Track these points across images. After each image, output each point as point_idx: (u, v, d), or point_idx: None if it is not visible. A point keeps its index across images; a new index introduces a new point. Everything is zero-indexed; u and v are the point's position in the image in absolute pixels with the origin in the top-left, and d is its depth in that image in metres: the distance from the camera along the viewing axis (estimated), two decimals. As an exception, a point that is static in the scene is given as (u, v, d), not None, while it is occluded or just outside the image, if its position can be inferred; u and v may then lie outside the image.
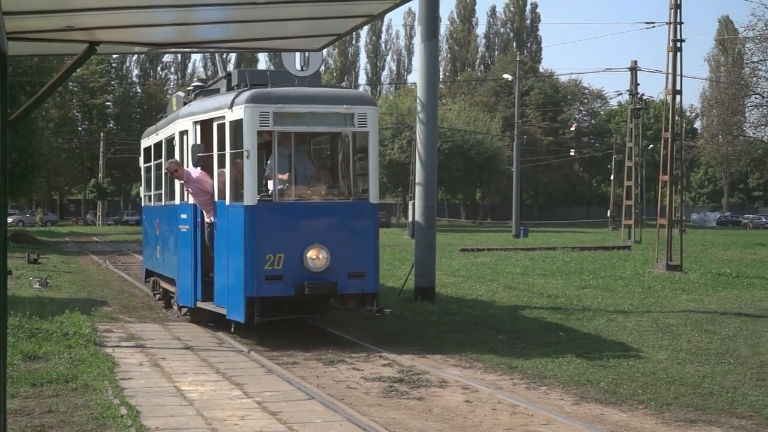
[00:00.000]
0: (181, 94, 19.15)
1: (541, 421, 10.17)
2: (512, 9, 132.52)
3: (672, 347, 15.16)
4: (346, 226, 15.28)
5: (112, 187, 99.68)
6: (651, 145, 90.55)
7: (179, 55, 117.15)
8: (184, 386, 11.35)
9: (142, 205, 23.03)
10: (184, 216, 17.12)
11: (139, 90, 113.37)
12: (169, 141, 18.38)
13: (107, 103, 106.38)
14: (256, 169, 15.03)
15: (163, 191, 19.34)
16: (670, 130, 31.61)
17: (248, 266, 14.74)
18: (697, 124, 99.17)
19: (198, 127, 16.64)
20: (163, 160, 19.01)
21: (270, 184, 15.46)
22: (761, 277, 29.50)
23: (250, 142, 14.82)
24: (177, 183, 17.58)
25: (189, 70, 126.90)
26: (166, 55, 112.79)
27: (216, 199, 15.99)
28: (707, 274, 29.74)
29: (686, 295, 23.73)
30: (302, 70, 16.20)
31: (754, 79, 59.01)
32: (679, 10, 32.38)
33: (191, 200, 16.77)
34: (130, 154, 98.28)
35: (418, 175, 21.23)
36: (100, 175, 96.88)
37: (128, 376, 11.88)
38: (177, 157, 17.49)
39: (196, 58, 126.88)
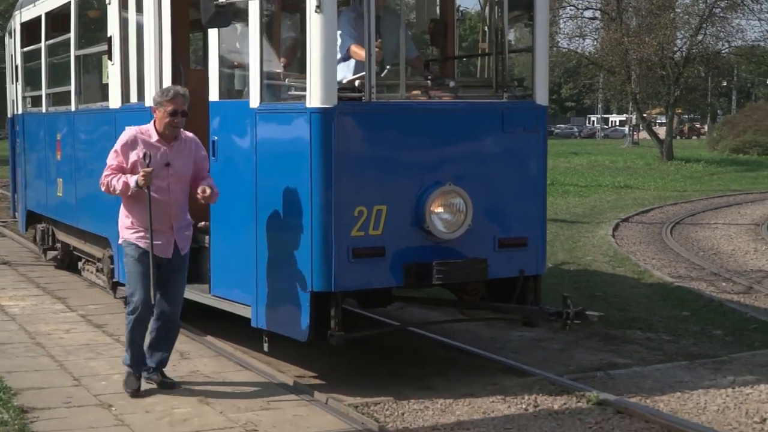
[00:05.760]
0: None
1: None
2: None
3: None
4: (492, 150, 8.03)
5: None
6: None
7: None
8: (4, 301, 11.05)
9: (16, 111, 14.70)
10: (132, 130, 9.34)
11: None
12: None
13: None
14: (335, 35, 7.49)
15: (73, 87, 11.33)
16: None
17: (318, 229, 7.34)
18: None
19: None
20: (73, 34, 11.05)
21: (343, 68, 8.01)
22: (575, 185, 31.54)
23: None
24: (112, 68, 9.83)
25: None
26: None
27: (214, 97, 8.40)
28: (522, 182, 31.90)
29: (502, 201, 24.92)
30: None
31: (570, -10, 56.87)
32: None
33: (150, 101, 9.04)
34: None
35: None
36: None
37: (-55, 294, 11.53)
38: (114, 28, 9.70)
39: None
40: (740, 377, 8.29)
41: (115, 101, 9.97)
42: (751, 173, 39.20)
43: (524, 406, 7.44)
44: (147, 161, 7.11)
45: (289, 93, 7.71)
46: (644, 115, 55.70)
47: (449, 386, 7.95)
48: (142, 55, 9.32)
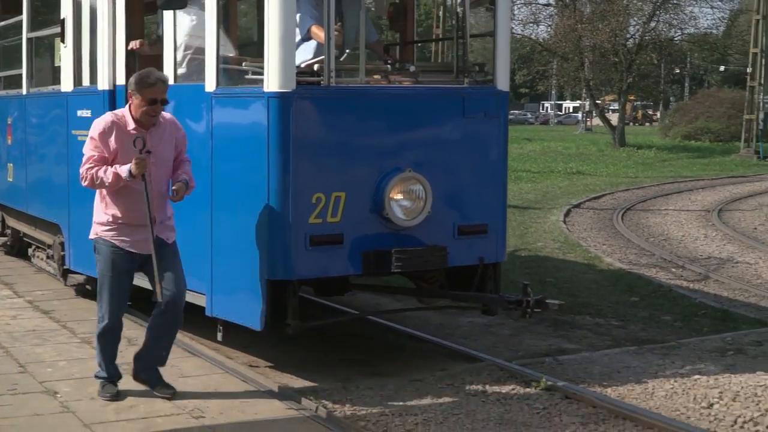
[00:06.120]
0: None
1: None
2: None
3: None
4: (453, 136, 7.93)
5: None
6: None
7: None
8: (-49, 289, 10.83)
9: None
10: (84, 113, 9.19)
11: None
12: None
13: None
14: (294, 19, 7.37)
15: (25, 70, 11.09)
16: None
17: (275, 216, 7.21)
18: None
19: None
20: (25, 16, 10.86)
21: (304, 49, 7.86)
22: (527, 171, 31.51)
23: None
24: (65, 51, 9.62)
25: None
26: None
27: (169, 81, 8.20)
28: (474, 168, 32.29)
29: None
30: None
31: (525, -23, 56.29)
32: None
33: (103, 84, 8.90)
34: None
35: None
36: None
37: None
38: (68, 10, 9.48)
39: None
40: (688, 363, 8.32)
41: (67, 84, 9.75)
42: (702, 160, 39.55)
43: (472, 392, 7.41)
44: (140, 147, 6.45)
45: (246, 77, 7.55)
46: (597, 101, 55.92)
47: (398, 372, 7.91)
48: (95, 37, 9.13)
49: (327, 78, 7.28)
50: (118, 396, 6.85)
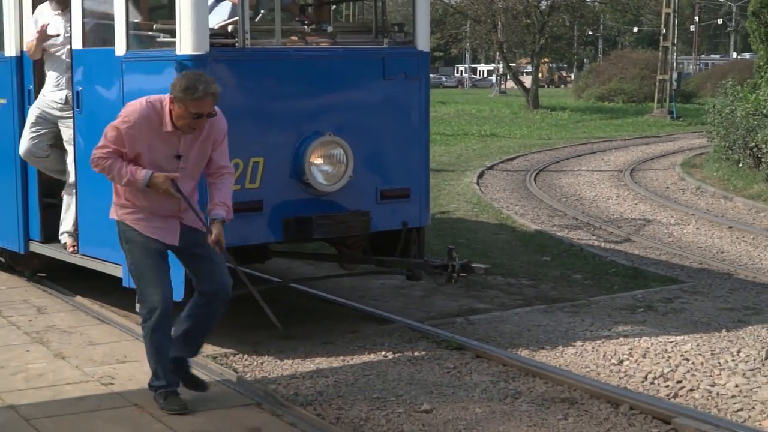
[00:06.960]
0: None
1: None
2: None
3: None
4: (373, 98, 7.79)
5: None
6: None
7: None
8: None
9: None
10: (-9, 80, 8.85)
11: None
12: None
13: None
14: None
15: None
16: None
17: (191, 185, 6.99)
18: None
19: None
20: None
21: (218, 10, 7.66)
22: (441, 134, 30.83)
23: None
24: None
25: None
26: None
27: (77, 45, 7.93)
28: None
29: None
30: None
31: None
32: None
33: (10, 51, 8.59)
34: None
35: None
36: None
37: None
38: None
39: None
40: (598, 320, 8.35)
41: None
42: (615, 121, 39.93)
43: (384, 353, 7.38)
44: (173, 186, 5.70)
45: (158, 40, 7.31)
46: (512, 64, 55.98)
47: (309, 335, 7.84)
48: (0, 3, 8.76)
49: (242, 40, 7.09)
50: (186, 408, 5.90)
